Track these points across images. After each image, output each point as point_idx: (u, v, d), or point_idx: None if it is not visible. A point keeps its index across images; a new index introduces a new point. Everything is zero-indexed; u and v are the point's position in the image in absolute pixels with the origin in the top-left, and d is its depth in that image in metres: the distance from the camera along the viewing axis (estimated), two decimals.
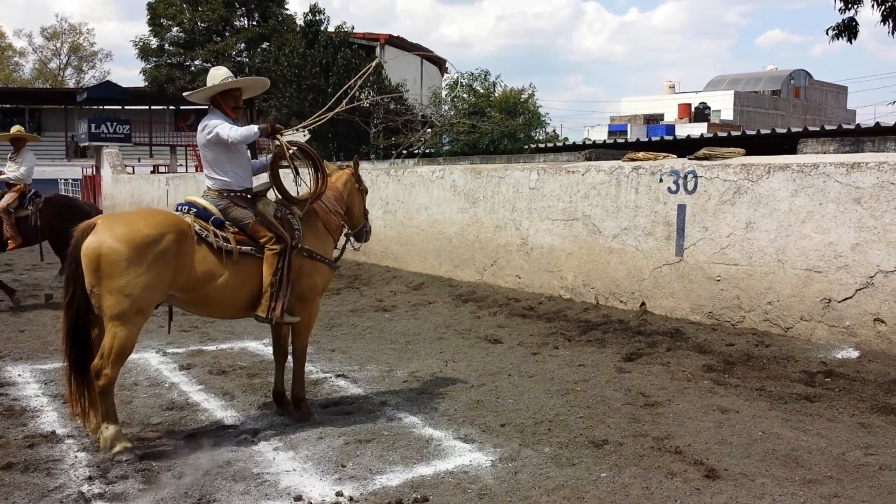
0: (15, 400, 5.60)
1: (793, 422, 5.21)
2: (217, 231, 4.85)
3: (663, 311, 8.37)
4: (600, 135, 40.50)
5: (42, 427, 5.01)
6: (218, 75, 5.24)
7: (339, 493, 4.02)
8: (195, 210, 4.95)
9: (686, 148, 9.67)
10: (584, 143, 24.25)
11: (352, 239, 5.93)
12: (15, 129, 10.25)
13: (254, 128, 5.03)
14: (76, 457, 4.50)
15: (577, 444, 4.80)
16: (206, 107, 5.27)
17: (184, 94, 5.50)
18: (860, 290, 6.76)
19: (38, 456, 4.50)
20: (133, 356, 6.87)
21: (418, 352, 7.32)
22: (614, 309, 8.81)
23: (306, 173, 5.34)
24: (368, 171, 13.93)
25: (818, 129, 14.46)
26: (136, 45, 35.45)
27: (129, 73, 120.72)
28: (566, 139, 26.70)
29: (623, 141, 21.78)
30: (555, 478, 4.26)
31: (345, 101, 5.85)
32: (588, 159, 9.94)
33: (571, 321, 8.50)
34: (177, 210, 5.02)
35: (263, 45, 30.47)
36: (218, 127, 4.98)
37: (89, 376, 4.57)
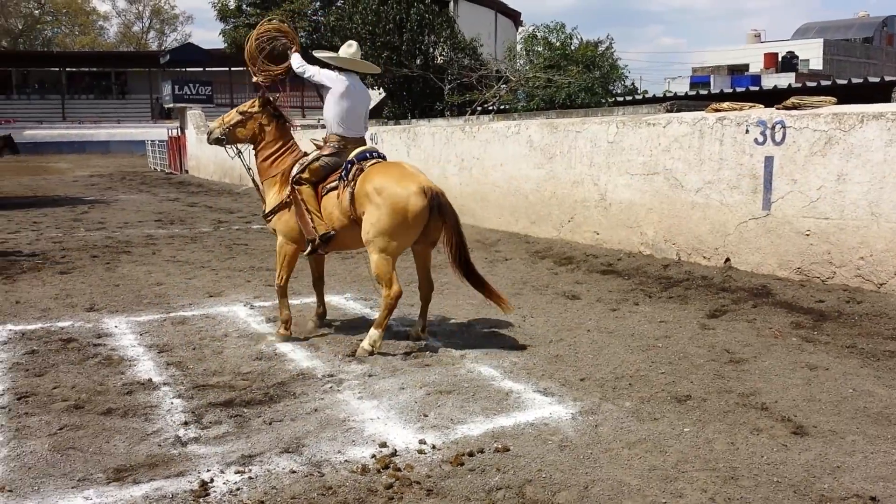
0: (113, 350, 5.88)
1: (885, 379, 5.03)
2: None
3: (749, 266, 8.15)
4: (682, 87, 39.33)
5: (139, 375, 5.26)
6: (349, 52, 6.17)
7: (422, 441, 4.10)
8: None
9: (773, 99, 9.28)
10: (664, 95, 23.56)
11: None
12: None
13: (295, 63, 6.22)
14: (172, 403, 4.72)
15: (659, 399, 4.76)
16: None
17: (315, 53, 6.33)
18: None
19: (136, 402, 4.73)
20: (222, 309, 7.17)
21: (496, 307, 7.32)
22: (697, 265, 8.63)
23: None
24: (443, 127, 13.91)
25: None
26: (215, 6, 36.05)
27: (210, 35, 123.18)
28: (646, 92, 25.97)
29: (706, 93, 21.08)
30: (636, 431, 4.25)
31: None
32: (669, 111, 9.67)
33: (652, 277, 8.38)
34: (372, 158, 6.09)
35: (338, 3, 30.56)
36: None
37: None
